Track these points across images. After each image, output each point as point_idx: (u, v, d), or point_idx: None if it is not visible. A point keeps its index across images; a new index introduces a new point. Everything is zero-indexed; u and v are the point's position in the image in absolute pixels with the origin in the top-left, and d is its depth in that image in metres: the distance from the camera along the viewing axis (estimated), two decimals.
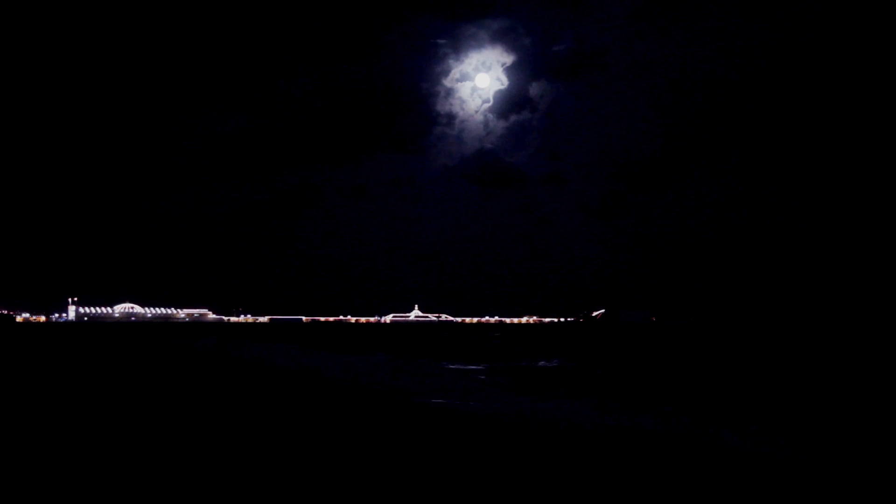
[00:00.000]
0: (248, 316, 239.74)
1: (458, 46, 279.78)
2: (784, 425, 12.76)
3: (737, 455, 9.73)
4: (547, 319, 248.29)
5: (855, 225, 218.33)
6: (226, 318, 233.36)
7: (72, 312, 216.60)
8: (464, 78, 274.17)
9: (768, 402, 16.82)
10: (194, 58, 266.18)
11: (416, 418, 13.00)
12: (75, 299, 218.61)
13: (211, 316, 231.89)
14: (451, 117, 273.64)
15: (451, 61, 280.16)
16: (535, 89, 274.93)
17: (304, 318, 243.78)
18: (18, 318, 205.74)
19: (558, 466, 8.83)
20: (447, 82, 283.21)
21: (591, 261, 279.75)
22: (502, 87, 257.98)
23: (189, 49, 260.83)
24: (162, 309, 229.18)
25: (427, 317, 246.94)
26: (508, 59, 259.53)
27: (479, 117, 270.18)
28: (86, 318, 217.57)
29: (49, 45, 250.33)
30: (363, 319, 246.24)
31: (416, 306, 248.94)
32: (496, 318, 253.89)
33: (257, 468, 8.31)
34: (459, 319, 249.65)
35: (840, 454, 10.05)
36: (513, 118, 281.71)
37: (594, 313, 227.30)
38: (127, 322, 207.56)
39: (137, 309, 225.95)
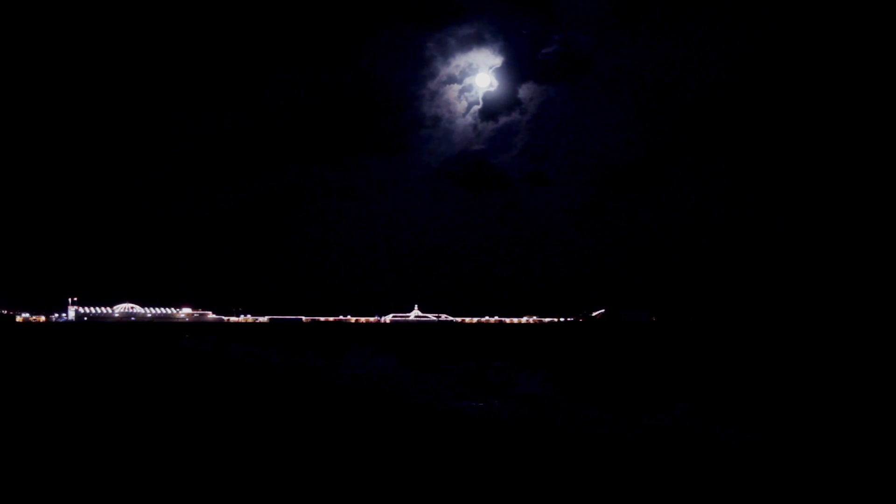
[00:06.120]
0: (248, 316, 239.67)
1: (447, 49, 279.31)
2: (775, 423, 12.73)
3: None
4: (547, 319, 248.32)
5: (843, 221, 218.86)
6: (226, 318, 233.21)
7: (72, 312, 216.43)
8: (452, 80, 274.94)
9: (762, 400, 16.79)
10: (190, 60, 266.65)
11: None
12: (75, 299, 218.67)
13: (211, 316, 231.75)
14: (439, 119, 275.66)
15: (439, 64, 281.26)
16: (523, 91, 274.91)
17: (303, 318, 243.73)
18: (18, 318, 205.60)
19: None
20: (436, 85, 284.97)
21: (588, 261, 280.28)
22: (491, 90, 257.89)
23: (184, 52, 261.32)
24: (162, 309, 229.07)
25: (427, 317, 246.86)
26: (497, 61, 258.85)
27: (469, 119, 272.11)
28: (86, 318, 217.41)
29: (47, 48, 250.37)
30: (363, 319, 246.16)
31: (416, 306, 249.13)
32: (496, 318, 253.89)
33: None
34: (459, 319, 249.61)
35: (829, 451, 10.01)
36: (502, 120, 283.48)
37: (594, 313, 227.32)
38: (127, 322, 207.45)
39: (137, 309, 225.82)
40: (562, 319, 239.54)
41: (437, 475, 8.24)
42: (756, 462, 9.28)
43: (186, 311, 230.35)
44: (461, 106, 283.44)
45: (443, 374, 23.15)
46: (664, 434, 11.43)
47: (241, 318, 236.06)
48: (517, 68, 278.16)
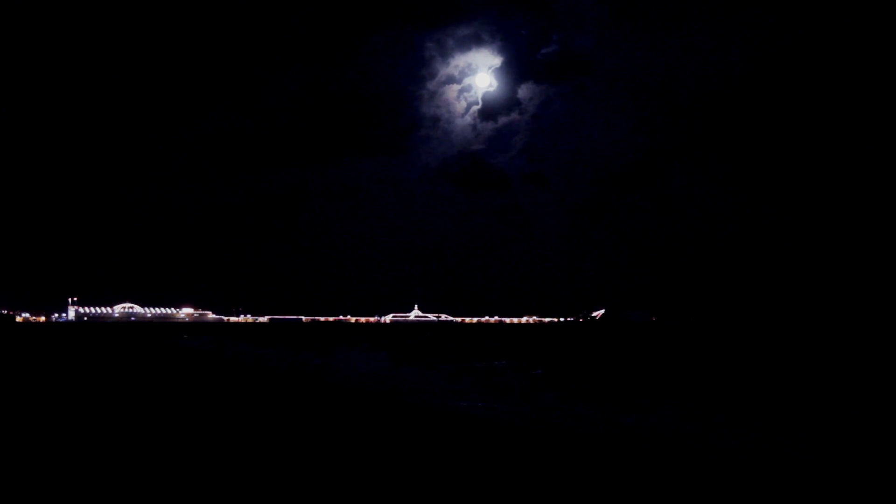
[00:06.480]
0: (248, 316, 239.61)
1: (446, 49, 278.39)
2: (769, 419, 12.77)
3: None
4: (547, 319, 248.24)
5: (843, 221, 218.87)
6: (226, 318, 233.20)
7: (72, 312, 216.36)
8: (451, 80, 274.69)
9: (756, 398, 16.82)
10: (190, 61, 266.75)
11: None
12: (75, 299, 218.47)
13: (211, 316, 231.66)
14: (439, 119, 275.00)
15: (438, 64, 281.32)
16: (523, 91, 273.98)
17: (303, 318, 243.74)
18: (18, 318, 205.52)
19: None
20: (435, 85, 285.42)
21: (588, 261, 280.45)
22: (490, 90, 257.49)
23: (184, 52, 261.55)
24: (162, 309, 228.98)
25: (427, 317, 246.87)
26: (496, 61, 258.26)
27: (468, 119, 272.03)
28: (86, 318, 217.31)
29: (47, 48, 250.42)
30: (363, 319, 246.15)
31: (416, 306, 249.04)
32: (496, 318, 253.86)
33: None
34: (459, 319, 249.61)
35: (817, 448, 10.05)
36: (501, 120, 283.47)
37: (594, 313, 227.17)
38: (127, 322, 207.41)
39: (137, 309, 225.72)
40: (562, 319, 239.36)
41: (431, 473, 8.28)
42: (743, 460, 9.32)
43: (186, 311, 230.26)
44: (460, 106, 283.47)
45: (440, 373, 23.21)
46: (655, 433, 11.48)
47: (241, 318, 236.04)
48: (516, 68, 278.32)
